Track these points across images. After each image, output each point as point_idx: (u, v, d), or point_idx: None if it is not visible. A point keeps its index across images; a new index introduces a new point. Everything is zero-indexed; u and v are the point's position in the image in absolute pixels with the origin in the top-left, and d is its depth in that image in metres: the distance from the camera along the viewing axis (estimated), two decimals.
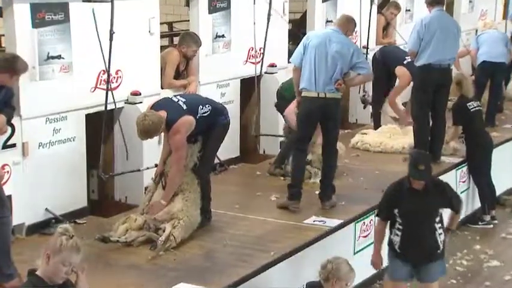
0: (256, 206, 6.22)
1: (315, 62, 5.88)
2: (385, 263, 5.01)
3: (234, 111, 7.28)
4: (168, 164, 5.46)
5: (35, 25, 5.28)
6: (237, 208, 6.12)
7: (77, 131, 5.73)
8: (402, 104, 8.45)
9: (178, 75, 6.76)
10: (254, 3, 7.23)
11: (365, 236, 5.98)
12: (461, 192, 7.35)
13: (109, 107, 5.83)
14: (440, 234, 4.75)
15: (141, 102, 6.06)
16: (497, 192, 7.72)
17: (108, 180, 6.09)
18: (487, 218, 7.52)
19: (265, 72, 7.60)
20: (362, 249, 5.94)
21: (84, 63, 5.64)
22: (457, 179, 7.39)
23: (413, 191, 4.74)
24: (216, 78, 7.12)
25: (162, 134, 5.48)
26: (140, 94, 6.11)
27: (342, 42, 5.93)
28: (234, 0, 7.10)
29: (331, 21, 8.21)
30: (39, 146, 5.48)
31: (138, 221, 5.28)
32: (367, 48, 8.61)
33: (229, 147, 7.05)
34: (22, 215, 5.32)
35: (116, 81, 6.01)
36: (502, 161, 7.97)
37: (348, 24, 6.13)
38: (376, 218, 5.10)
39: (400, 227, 4.75)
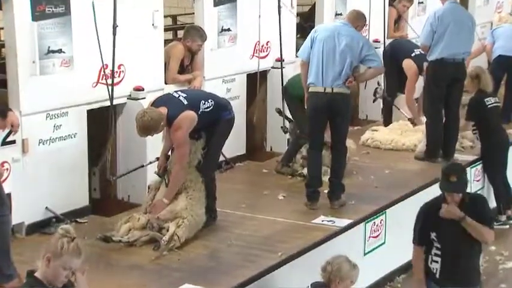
0: (263, 205, 6.21)
1: (322, 56, 5.88)
2: None
3: (240, 107, 7.28)
4: (172, 160, 5.46)
5: (35, 18, 5.29)
6: (243, 207, 6.12)
7: (78, 127, 5.73)
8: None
9: (182, 70, 6.75)
10: None
11: (375, 237, 5.97)
12: (475, 192, 7.32)
13: (108, 103, 5.82)
14: (480, 256, 4.49)
15: (144, 98, 6.06)
16: None
17: (110, 179, 6.10)
18: (503, 218, 7.49)
19: (272, 67, 7.59)
20: (372, 250, 5.93)
21: (85, 58, 5.64)
22: (471, 178, 7.35)
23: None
24: (222, 73, 7.11)
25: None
26: (143, 89, 6.11)
27: (351, 36, 5.93)
28: None
29: (340, 14, 8.19)
30: (40, 142, 5.49)
31: (141, 221, 5.29)
32: (379, 41, 8.59)
33: (235, 145, 7.05)
34: (22, 213, 5.33)
35: (119, 76, 6.01)
36: None
37: (357, 19, 6.14)
38: (413, 244, 4.58)
39: (439, 252, 4.38)
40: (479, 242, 4.44)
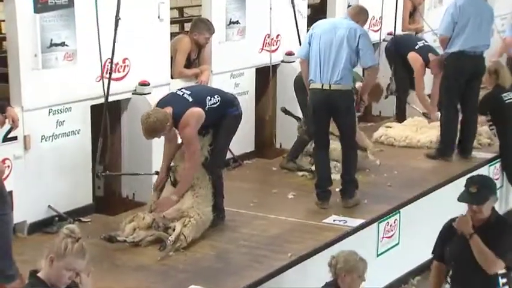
0: (272, 204, 6.20)
1: (320, 51, 5.85)
2: None
3: (248, 103, 7.27)
4: (177, 158, 5.46)
5: (37, 10, 5.29)
6: (251, 206, 6.12)
7: (82, 123, 5.74)
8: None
9: (189, 64, 6.75)
10: None
11: (389, 237, 5.95)
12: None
13: (101, 101, 5.81)
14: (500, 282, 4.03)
15: (149, 93, 6.07)
16: None
17: (115, 177, 6.11)
18: None
19: (282, 61, 7.58)
20: (386, 251, 5.92)
21: (89, 51, 5.65)
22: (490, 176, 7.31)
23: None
24: (230, 67, 7.10)
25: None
26: (149, 84, 6.11)
27: (349, 27, 5.85)
28: None
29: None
30: (42, 139, 5.51)
31: (146, 220, 5.29)
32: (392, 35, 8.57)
33: (243, 141, 7.04)
34: (23, 212, 5.35)
35: (123, 71, 6.01)
36: None
37: (359, 14, 6.09)
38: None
39: (451, 272, 4.10)
40: (505, 274, 4.05)
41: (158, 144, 5.96)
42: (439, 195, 6.55)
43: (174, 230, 5.21)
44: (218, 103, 5.45)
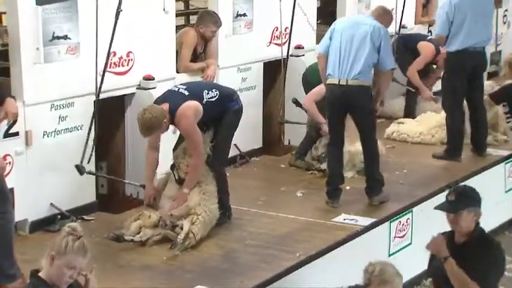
0: (280, 202, 6.20)
1: (340, 45, 5.87)
2: None
3: (256, 98, 7.26)
4: (179, 155, 5.45)
5: (39, 2, 5.29)
6: (259, 204, 6.11)
7: (85, 119, 5.74)
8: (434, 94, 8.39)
9: (195, 58, 6.74)
10: None
11: (401, 237, 5.93)
12: (509, 190, 7.25)
13: (105, 95, 5.79)
14: None
15: (154, 88, 6.06)
16: None
17: (119, 174, 6.10)
18: None
19: (291, 55, 7.56)
20: (397, 251, 5.90)
21: (92, 44, 5.64)
22: (505, 174, 7.29)
23: (453, 244, 3.93)
24: (237, 61, 7.09)
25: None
26: (153, 79, 6.11)
27: (374, 25, 5.91)
28: None
29: None
30: (44, 134, 5.51)
31: (153, 218, 5.29)
32: (406, 27, 8.54)
33: (251, 138, 7.04)
34: (25, 210, 5.36)
35: (127, 65, 6.01)
36: None
37: (384, 16, 6.15)
38: None
39: None
40: None
41: (164, 142, 5.96)
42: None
43: (181, 228, 5.20)
44: (216, 97, 5.44)
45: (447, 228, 4.45)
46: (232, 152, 6.80)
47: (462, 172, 6.85)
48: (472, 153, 7.33)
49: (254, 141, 7.27)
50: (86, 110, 5.75)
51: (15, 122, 5.05)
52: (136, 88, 6.12)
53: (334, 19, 8.22)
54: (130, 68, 6.05)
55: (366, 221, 5.70)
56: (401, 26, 8.63)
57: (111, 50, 5.71)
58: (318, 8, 8.11)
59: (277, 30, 7.40)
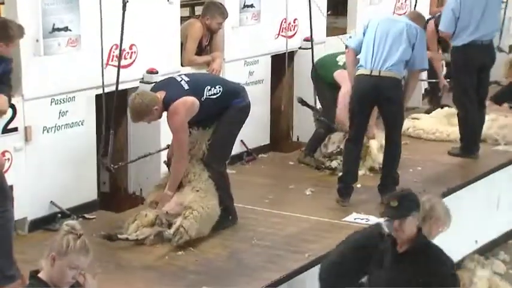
0: (288, 200, 6.20)
1: (374, 38, 5.94)
2: None
3: (264, 93, 7.26)
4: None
5: None
6: (266, 203, 6.12)
7: (86, 114, 5.75)
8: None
9: (200, 50, 6.74)
10: None
11: None
12: None
13: (107, 89, 5.80)
14: None
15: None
16: None
17: (121, 171, 6.12)
18: None
19: (300, 48, 7.55)
20: None
21: (94, 37, 5.65)
22: None
23: (393, 252, 3.85)
24: (244, 54, 7.08)
25: None
26: (157, 72, 6.11)
27: (410, 24, 6.04)
28: None
29: None
30: (44, 130, 5.52)
31: (149, 217, 5.31)
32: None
33: (258, 134, 7.03)
34: (24, 208, 5.37)
35: (130, 57, 6.01)
36: None
37: (418, 19, 6.32)
38: None
39: None
40: None
41: (167, 137, 5.96)
42: (468, 192, 6.50)
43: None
44: (219, 94, 5.42)
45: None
46: (239, 149, 6.82)
47: (479, 169, 6.83)
48: (490, 150, 7.31)
49: (261, 137, 7.26)
50: (87, 105, 5.76)
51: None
52: (140, 82, 6.12)
53: (345, 10, 8.20)
54: (133, 61, 6.05)
55: (377, 220, 5.70)
56: None
57: (112, 43, 5.72)
58: None
59: (285, 21, 7.39)
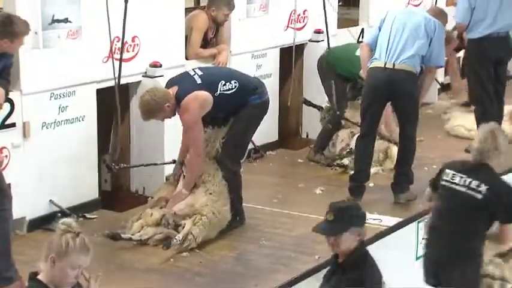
0: (298, 200, 6.20)
1: (390, 31, 5.94)
2: None
3: (272, 87, 7.23)
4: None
5: None
6: (275, 202, 6.12)
7: (87, 109, 5.76)
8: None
9: (206, 43, 6.74)
10: None
11: None
12: None
13: (109, 84, 5.81)
14: None
15: (161, 76, 6.06)
16: None
17: (123, 168, 6.12)
18: None
19: (310, 40, 7.53)
20: None
21: (95, 28, 5.65)
22: None
23: (335, 263, 3.82)
24: (251, 47, 7.08)
25: None
26: (161, 66, 6.11)
27: (429, 17, 6.03)
28: None
29: None
30: (43, 126, 5.53)
31: (155, 216, 5.31)
32: None
33: (265, 130, 7.01)
34: (22, 207, 5.37)
35: (132, 50, 6.01)
36: None
37: (440, 16, 6.31)
38: None
39: None
40: None
41: (171, 133, 5.97)
42: None
43: (184, 227, 5.21)
44: (234, 89, 5.40)
45: None
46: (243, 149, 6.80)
47: (498, 168, 6.78)
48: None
49: (269, 133, 7.26)
50: (88, 100, 5.76)
51: None
52: (142, 76, 6.12)
53: (358, 1, 8.18)
54: (136, 54, 6.05)
55: (390, 221, 5.69)
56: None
57: (114, 35, 5.72)
58: None
59: (294, 13, 7.37)
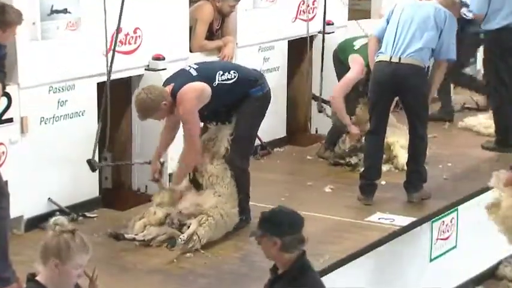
0: (306, 198, 6.20)
1: (398, 24, 5.93)
2: None
3: (280, 81, 7.25)
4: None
5: None
6: (283, 201, 6.10)
7: (87, 104, 5.76)
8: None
9: (211, 35, 6.74)
10: None
11: (445, 239, 5.92)
12: None
13: (123, 75, 5.82)
14: None
15: (164, 69, 6.06)
16: None
17: (124, 165, 6.13)
18: None
19: (319, 32, 7.53)
20: (440, 255, 5.89)
21: (95, 19, 5.65)
22: None
23: (274, 272, 3.83)
24: (258, 39, 7.08)
25: None
26: (164, 59, 6.12)
27: (438, 8, 5.99)
28: None
29: None
30: (41, 121, 5.54)
31: (158, 215, 5.31)
32: None
33: (273, 126, 7.03)
34: (20, 206, 5.38)
35: (134, 43, 6.02)
36: None
37: (452, 6, 6.22)
38: None
39: None
40: None
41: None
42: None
43: (189, 227, 5.22)
44: (234, 79, 5.40)
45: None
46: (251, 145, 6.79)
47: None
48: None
49: (277, 129, 7.26)
50: (88, 94, 5.77)
51: None
52: (145, 69, 6.13)
53: None
54: (138, 46, 6.06)
55: (403, 221, 5.68)
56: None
57: (114, 27, 5.71)
58: None
59: (303, 3, 7.36)
